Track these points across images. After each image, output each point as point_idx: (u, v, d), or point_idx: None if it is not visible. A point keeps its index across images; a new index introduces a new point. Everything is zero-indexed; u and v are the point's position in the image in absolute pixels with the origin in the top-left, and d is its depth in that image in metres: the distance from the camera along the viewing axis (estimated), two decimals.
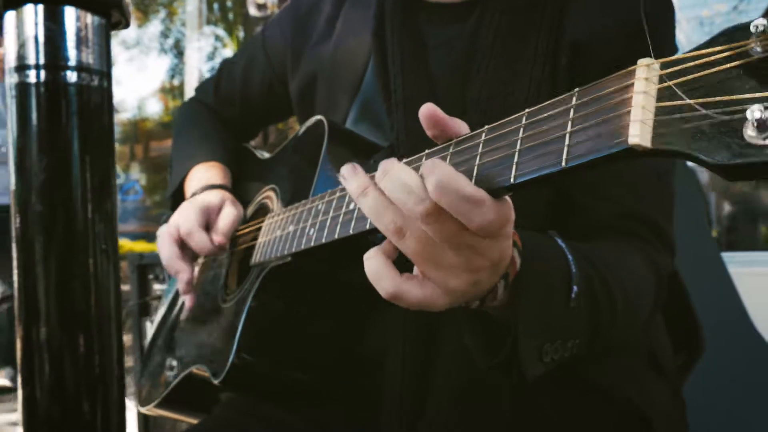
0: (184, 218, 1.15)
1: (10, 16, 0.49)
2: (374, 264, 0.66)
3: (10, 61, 0.49)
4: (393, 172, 0.62)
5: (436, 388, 0.95)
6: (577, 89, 0.54)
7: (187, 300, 1.16)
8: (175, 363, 1.24)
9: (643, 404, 0.97)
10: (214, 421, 1.10)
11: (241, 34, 6.77)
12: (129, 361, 2.19)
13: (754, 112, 0.40)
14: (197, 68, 4.44)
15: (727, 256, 1.92)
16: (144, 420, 2.25)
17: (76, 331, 0.48)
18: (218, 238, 1.14)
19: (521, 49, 0.98)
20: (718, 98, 0.42)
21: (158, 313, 1.45)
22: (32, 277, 0.47)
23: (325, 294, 1.06)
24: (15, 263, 0.48)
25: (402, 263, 0.67)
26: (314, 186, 1.02)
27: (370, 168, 0.94)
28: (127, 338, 2.33)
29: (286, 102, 1.32)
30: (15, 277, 0.48)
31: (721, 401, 1.61)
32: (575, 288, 0.77)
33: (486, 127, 0.62)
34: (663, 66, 0.47)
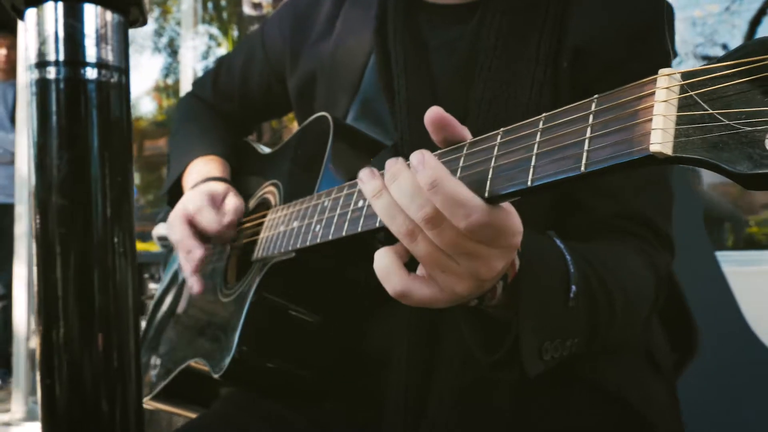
0: (192, 200, 1.16)
1: (30, 13, 0.49)
2: (385, 262, 0.68)
3: (31, 57, 0.49)
4: (401, 178, 0.64)
5: (438, 387, 0.96)
6: (596, 96, 0.55)
7: (195, 284, 1.14)
8: (171, 356, 1.24)
9: (643, 404, 0.98)
10: (213, 416, 1.09)
11: (235, 33, 6.75)
12: None
13: None
14: (191, 67, 4.42)
15: (722, 255, 1.95)
16: None
17: (96, 330, 0.48)
18: (227, 217, 1.15)
19: (523, 51, 0.99)
20: (740, 109, 0.43)
21: (151, 306, 1.45)
22: (52, 275, 0.47)
23: (327, 291, 1.06)
24: (35, 261, 0.48)
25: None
26: (319, 182, 1.02)
27: (373, 166, 0.94)
28: None
29: (284, 99, 1.32)
30: (35, 276, 0.48)
31: (716, 399, 1.63)
32: (574, 288, 0.79)
33: (501, 129, 0.63)
34: (684, 76, 0.48)
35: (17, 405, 4.12)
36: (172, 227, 1.16)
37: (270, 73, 1.34)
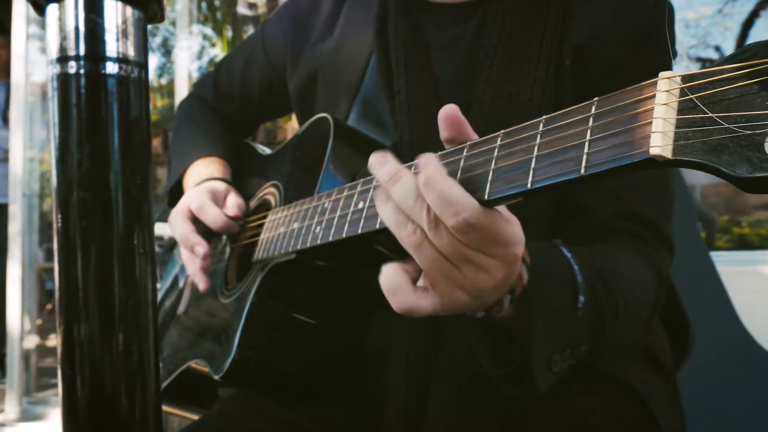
0: (194, 197, 1.16)
1: (52, 8, 0.50)
2: (393, 279, 0.69)
3: (52, 53, 0.50)
4: (402, 181, 0.64)
5: (439, 386, 0.96)
6: (596, 98, 0.55)
7: (201, 282, 1.14)
8: (172, 357, 1.24)
9: (651, 403, 0.98)
10: (215, 418, 1.10)
11: (229, 33, 6.73)
12: None
13: None
14: (185, 67, 4.42)
15: (716, 255, 1.97)
16: None
17: (116, 327, 0.49)
18: (231, 210, 1.16)
19: (525, 50, 0.99)
20: (740, 113, 0.44)
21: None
22: (73, 269, 0.48)
23: (328, 292, 1.06)
24: (56, 258, 0.48)
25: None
26: (320, 183, 1.02)
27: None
28: None
29: (285, 99, 1.32)
30: (56, 272, 0.49)
31: (710, 397, 1.64)
32: (581, 298, 0.79)
33: (501, 131, 0.63)
34: (684, 79, 0.48)
35: (11, 406, 4.10)
36: (174, 224, 1.16)
37: (271, 74, 1.34)
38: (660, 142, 0.47)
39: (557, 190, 0.57)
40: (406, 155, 1.01)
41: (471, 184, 0.63)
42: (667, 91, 0.48)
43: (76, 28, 0.49)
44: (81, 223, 0.48)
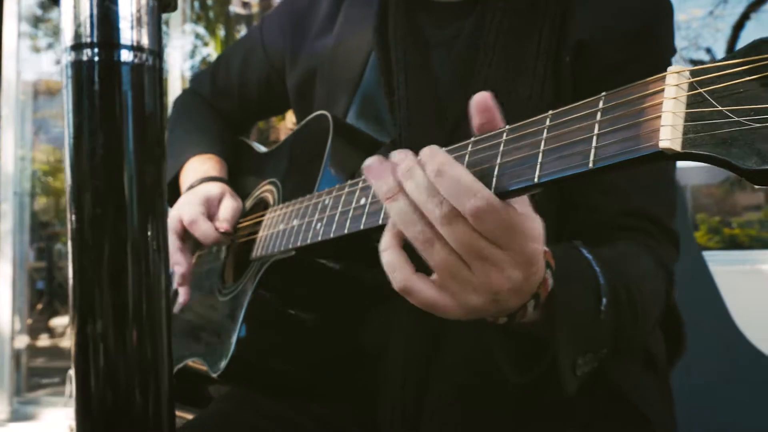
0: (186, 209, 1.15)
1: None
2: (390, 255, 0.68)
3: (67, 40, 0.49)
4: (416, 175, 0.63)
5: (438, 386, 0.96)
6: (604, 93, 0.56)
7: (180, 294, 1.15)
8: None
9: (641, 402, 0.98)
10: (213, 415, 1.09)
11: (222, 32, 6.72)
12: None
13: None
14: (178, 66, 4.41)
15: (708, 255, 1.98)
16: None
17: (130, 324, 0.49)
18: (223, 225, 1.15)
19: (524, 47, 0.99)
20: (749, 106, 0.44)
21: None
22: (87, 260, 0.47)
23: (327, 289, 1.06)
24: (69, 248, 0.48)
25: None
26: (319, 181, 1.02)
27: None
28: None
29: (284, 97, 1.32)
30: (69, 263, 0.48)
31: (702, 394, 1.65)
32: (604, 300, 0.78)
33: (507, 126, 0.63)
34: (693, 73, 0.49)
35: (1, 406, 4.07)
36: None
37: (270, 71, 1.34)
38: (669, 136, 0.47)
39: (564, 185, 0.57)
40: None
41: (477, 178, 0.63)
42: (676, 85, 0.49)
43: (91, 16, 0.48)
44: (95, 211, 0.48)
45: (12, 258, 4.09)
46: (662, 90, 0.50)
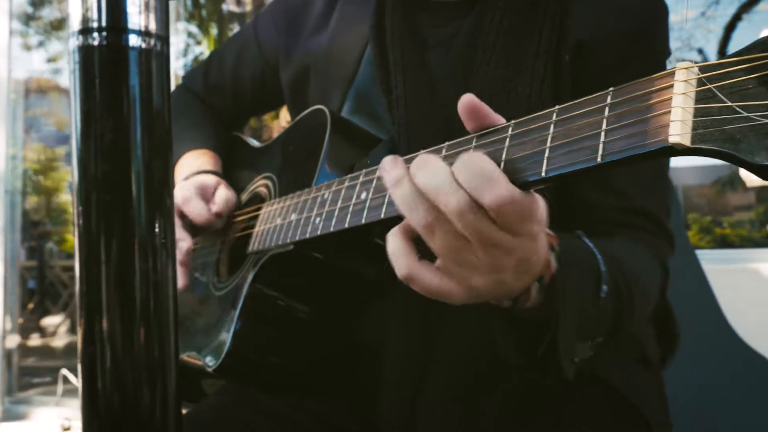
0: (181, 191, 1.15)
1: None
2: (395, 242, 0.67)
3: (74, 25, 0.49)
4: (430, 166, 0.62)
5: (435, 381, 0.96)
6: (611, 88, 0.56)
7: (180, 277, 1.13)
8: None
9: (636, 399, 0.99)
10: (210, 409, 1.09)
11: (215, 31, 6.71)
12: None
13: None
14: (171, 65, 4.40)
15: (701, 253, 2.00)
16: None
17: (137, 322, 0.48)
18: (216, 207, 1.14)
19: (523, 46, 1.00)
20: (757, 102, 0.44)
21: None
22: (94, 250, 0.47)
23: (324, 284, 1.06)
24: (76, 238, 0.47)
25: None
26: (317, 176, 1.01)
27: (372, 160, 0.93)
28: None
29: (277, 93, 1.32)
30: (76, 251, 0.48)
31: (695, 392, 1.66)
32: (605, 287, 0.79)
33: (512, 121, 0.63)
34: (702, 69, 0.49)
35: None
36: None
37: (264, 67, 1.33)
38: (679, 131, 0.48)
39: (571, 180, 0.57)
40: (402, 150, 1.01)
41: None
42: (685, 80, 0.49)
43: (99, 0, 0.48)
44: (104, 196, 0.48)
45: (3, 257, 4.06)
46: (671, 86, 0.50)
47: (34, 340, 6.50)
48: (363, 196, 0.81)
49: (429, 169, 0.62)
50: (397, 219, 0.73)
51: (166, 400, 0.49)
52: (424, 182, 0.62)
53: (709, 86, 0.47)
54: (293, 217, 0.97)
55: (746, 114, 0.44)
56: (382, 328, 1.02)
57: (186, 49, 6.97)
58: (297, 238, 0.94)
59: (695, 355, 1.48)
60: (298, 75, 1.23)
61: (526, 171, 0.59)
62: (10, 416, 4.04)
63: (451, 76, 1.05)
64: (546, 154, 0.58)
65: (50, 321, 7.16)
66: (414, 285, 0.67)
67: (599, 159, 0.53)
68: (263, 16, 1.36)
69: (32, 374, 4.82)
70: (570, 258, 0.74)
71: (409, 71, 1.06)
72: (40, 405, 4.14)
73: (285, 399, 1.08)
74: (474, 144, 0.66)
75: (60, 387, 4.08)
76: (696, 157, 0.49)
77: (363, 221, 0.79)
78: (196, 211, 1.13)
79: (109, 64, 0.49)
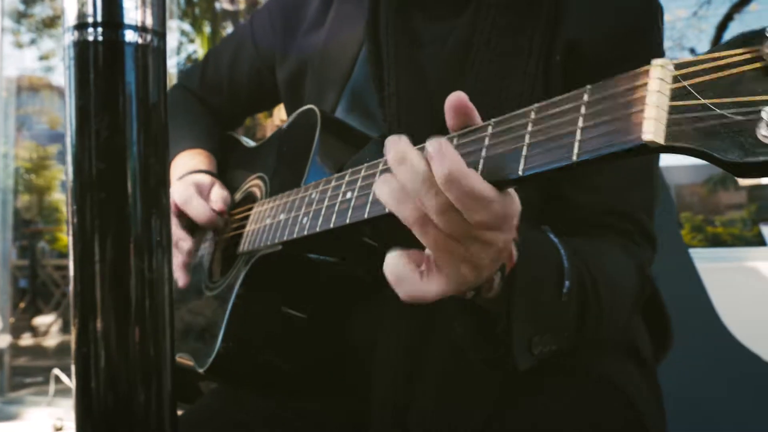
0: (178, 191, 1.15)
1: None
2: (398, 269, 0.67)
3: (70, 20, 0.49)
4: (409, 161, 0.63)
5: (426, 381, 0.96)
6: (588, 86, 0.56)
7: (181, 277, 1.13)
8: None
9: (631, 395, 0.99)
10: (203, 411, 1.09)
11: (208, 29, 6.69)
12: None
13: None
14: None
15: (693, 252, 2.02)
16: None
17: (132, 322, 0.48)
18: (217, 204, 1.15)
19: (516, 44, 1.00)
20: (731, 99, 0.45)
21: None
22: (89, 243, 0.47)
23: (314, 284, 1.06)
24: (70, 234, 0.48)
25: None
26: (306, 175, 1.02)
27: (361, 159, 0.94)
28: None
29: (274, 91, 1.32)
30: (70, 248, 0.48)
31: (688, 388, 1.67)
32: (567, 283, 0.80)
33: (492, 120, 0.64)
34: (677, 66, 0.50)
35: None
36: None
37: (260, 66, 1.34)
38: (653, 128, 0.48)
39: (549, 178, 0.58)
40: None
41: None
42: (660, 78, 0.49)
43: None
44: (99, 194, 0.47)
45: None
46: (646, 83, 0.50)
47: (26, 340, 6.47)
48: (348, 195, 0.81)
49: (411, 164, 0.63)
50: (382, 218, 0.74)
51: (161, 401, 0.49)
52: (405, 179, 0.63)
53: (683, 84, 0.48)
54: (282, 216, 0.97)
55: (719, 111, 0.45)
56: (373, 329, 1.02)
57: (179, 47, 6.96)
58: (285, 238, 0.95)
59: (687, 352, 1.50)
60: (294, 74, 1.24)
61: (504, 170, 0.60)
62: (2, 416, 4.02)
63: (444, 74, 1.05)
64: (524, 153, 0.58)
65: (42, 320, 7.13)
66: (418, 302, 0.68)
67: (575, 158, 0.54)
68: (259, 14, 1.36)
69: (24, 374, 4.80)
70: (531, 250, 0.75)
71: (402, 68, 1.06)
72: (32, 405, 4.13)
73: (278, 400, 1.08)
74: (455, 143, 0.66)
75: (52, 387, 4.07)
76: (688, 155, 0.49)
77: (348, 221, 0.80)
78: (198, 210, 1.13)
79: (105, 60, 0.48)
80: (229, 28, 6.53)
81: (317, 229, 0.87)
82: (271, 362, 1.08)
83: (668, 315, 1.20)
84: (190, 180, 1.18)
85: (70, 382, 0.50)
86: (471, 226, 0.62)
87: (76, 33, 0.48)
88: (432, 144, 0.62)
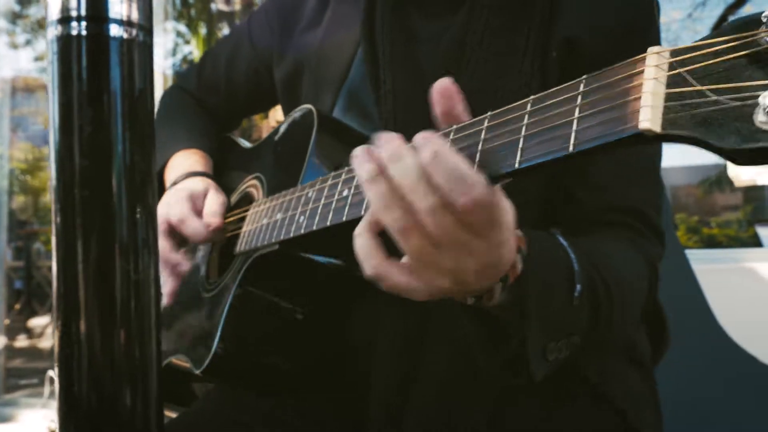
0: (173, 207, 1.13)
1: None
2: (362, 242, 0.66)
3: (53, 14, 0.48)
4: (404, 160, 0.61)
5: (423, 382, 0.96)
6: (585, 76, 0.55)
7: (168, 298, 1.12)
8: None
9: (624, 399, 0.99)
10: (201, 413, 1.08)
11: (203, 30, 6.69)
12: None
13: (767, 98, 0.42)
14: (160, 64, 4.38)
15: (689, 253, 2.01)
16: None
17: (117, 324, 0.47)
18: (213, 219, 1.13)
19: (511, 43, 1.00)
20: (728, 85, 0.44)
21: None
22: (72, 242, 0.46)
23: (312, 284, 1.05)
24: (54, 232, 0.46)
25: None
26: (303, 175, 1.01)
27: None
28: None
29: (271, 91, 1.32)
30: (54, 248, 0.47)
31: (685, 390, 1.66)
32: (578, 287, 0.78)
33: (488, 113, 0.63)
34: (673, 54, 0.49)
35: None
36: None
37: (258, 66, 1.34)
38: (650, 116, 0.47)
39: (546, 169, 0.57)
40: None
41: None
42: (656, 65, 0.49)
43: None
44: (82, 191, 0.46)
45: None
46: (642, 71, 0.50)
47: (21, 342, 6.45)
48: (345, 193, 0.81)
49: (403, 162, 0.61)
50: None
51: (147, 404, 0.48)
52: (398, 179, 0.61)
53: (679, 71, 0.47)
54: (278, 216, 0.97)
55: (716, 97, 0.44)
56: (371, 328, 1.01)
57: (175, 48, 6.95)
58: (282, 238, 0.94)
59: (683, 353, 1.49)
60: (291, 74, 1.23)
61: (500, 162, 0.59)
62: None
63: (440, 72, 1.04)
64: (520, 145, 0.58)
65: (37, 322, 7.11)
66: (380, 283, 0.66)
67: (571, 148, 0.53)
68: (257, 15, 1.36)
69: (19, 376, 4.79)
70: (539, 257, 0.73)
71: (398, 66, 1.06)
72: (26, 407, 4.12)
73: (275, 400, 1.08)
74: (452, 136, 0.65)
75: (47, 388, 4.05)
76: (684, 156, 0.49)
77: (344, 218, 0.79)
78: (193, 230, 1.11)
79: (90, 55, 0.47)
80: (224, 29, 6.53)
81: (314, 228, 0.86)
82: (269, 362, 1.08)
83: (666, 316, 1.20)
84: (184, 192, 1.16)
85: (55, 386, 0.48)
86: (459, 229, 0.60)
87: (59, 27, 0.47)
88: (418, 136, 0.61)
